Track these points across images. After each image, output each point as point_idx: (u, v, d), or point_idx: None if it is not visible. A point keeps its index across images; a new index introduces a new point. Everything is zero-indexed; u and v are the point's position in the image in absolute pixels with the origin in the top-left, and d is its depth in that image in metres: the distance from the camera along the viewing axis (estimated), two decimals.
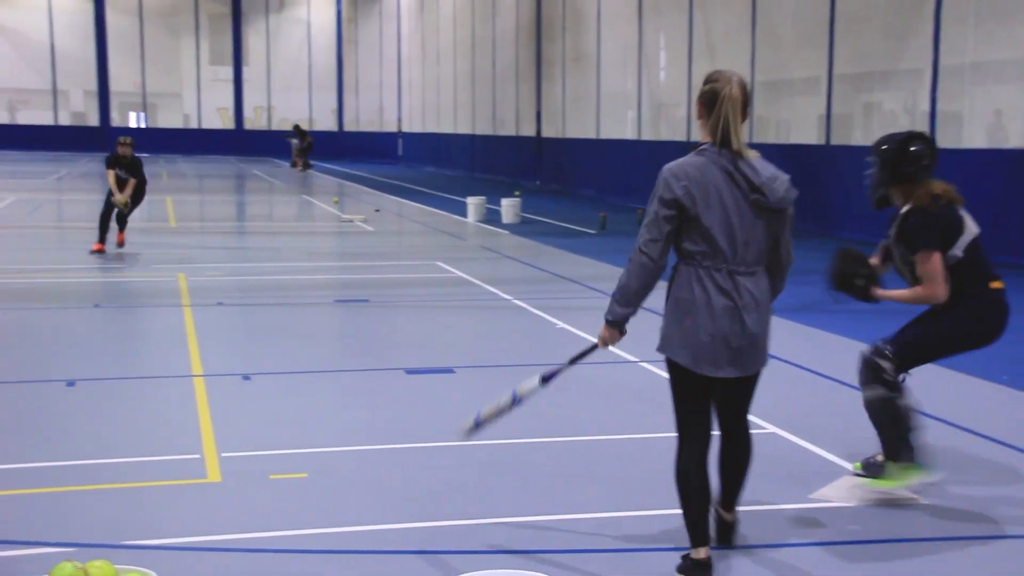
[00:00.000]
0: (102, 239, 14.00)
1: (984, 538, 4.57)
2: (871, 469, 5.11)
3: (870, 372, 4.92)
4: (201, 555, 4.34)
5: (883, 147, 5.05)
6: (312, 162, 37.37)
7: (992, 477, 5.39)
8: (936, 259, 4.81)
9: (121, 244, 14.32)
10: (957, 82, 14.98)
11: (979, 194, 14.15)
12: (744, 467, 4.32)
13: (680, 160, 3.96)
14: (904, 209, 4.97)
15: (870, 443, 5.87)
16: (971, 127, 15.02)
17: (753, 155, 3.98)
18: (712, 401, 4.14)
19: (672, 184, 3.89)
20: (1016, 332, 9.50)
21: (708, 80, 4.01)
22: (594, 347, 4.41)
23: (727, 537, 4.36)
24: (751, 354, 3.98)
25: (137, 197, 14.35)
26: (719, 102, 3.91)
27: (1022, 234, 13.33)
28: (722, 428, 4.29)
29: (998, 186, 13.78)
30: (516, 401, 4.42)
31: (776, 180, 3.95)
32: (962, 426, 6.28)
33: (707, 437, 4.08)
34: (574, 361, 4.50)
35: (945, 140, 14.86)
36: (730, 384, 4.09)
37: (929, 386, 7.26)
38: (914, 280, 4.95)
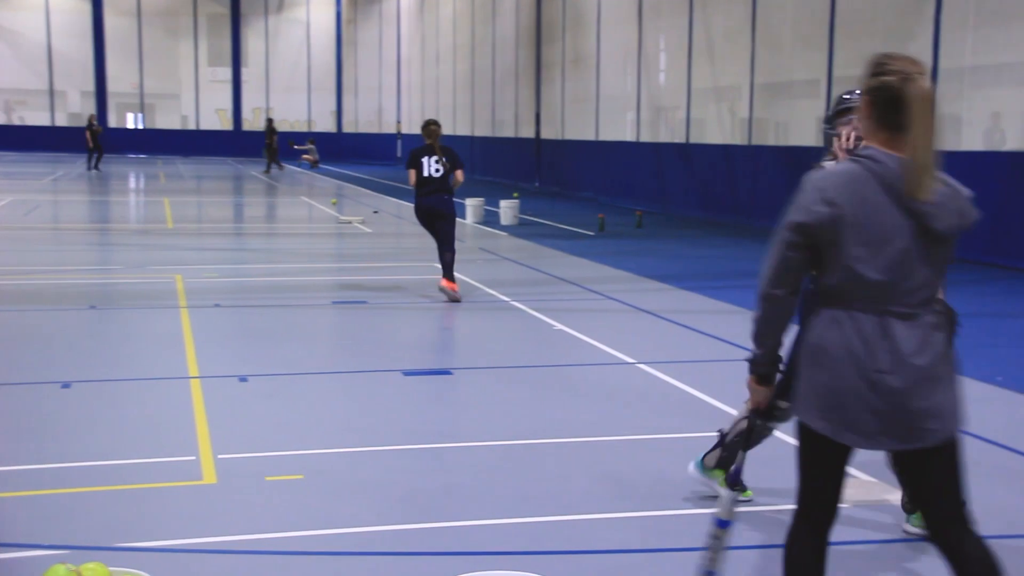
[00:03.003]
0: None
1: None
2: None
3: None
4: (196, 557, 4.32)
5: None
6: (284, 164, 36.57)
7: (987, 478, 5.37)
8: None
9: None
10: (956, 85, 14.98)
11: (977, 196, 14.15)
12: None
13: None
14: None
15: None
16: (970, 129, 15.02)
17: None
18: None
19: None
20: (1007, 334, 9.51)
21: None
22: (752, 414, 3.37)
23: None
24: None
25: None
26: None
27: (1019, 236, 13.32)
28: (940, 544, 3.14)
29: (996, 188, 13.77)
30: (723, 525, 3.48)
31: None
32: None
33: (827, 518, 3.17)
34: (747, 446, 3.67)
35: (944, 142, 14.86)
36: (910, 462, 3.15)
37: None
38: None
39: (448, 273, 10.88)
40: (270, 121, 36.94)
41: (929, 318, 3.01)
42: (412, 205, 12.08)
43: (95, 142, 34.29)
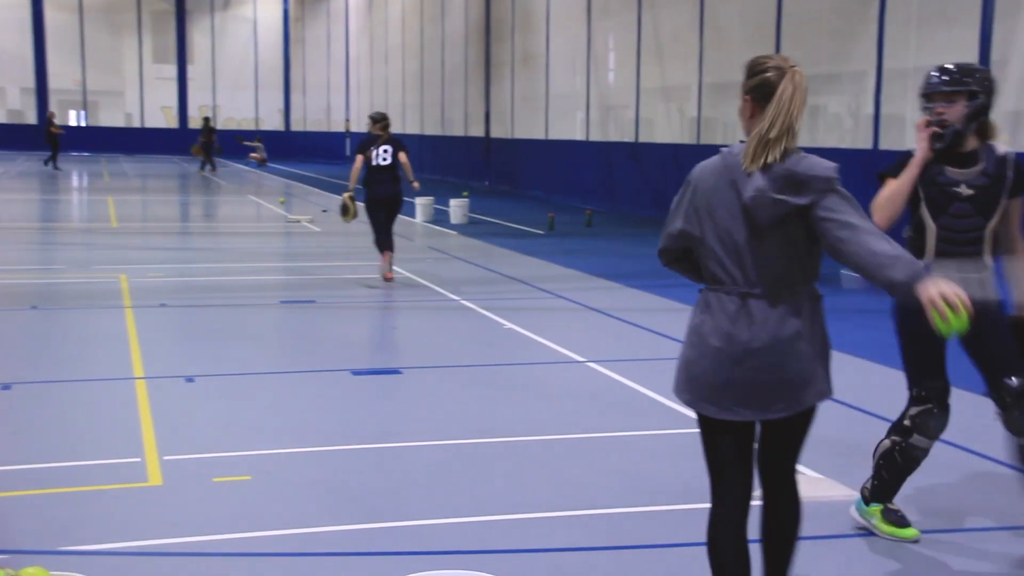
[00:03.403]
0: None
1: (929, 532, 4.61)
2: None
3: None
4: (141, 560, 4.25)
5: (978, 72, 4.30)
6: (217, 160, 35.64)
7: (932, 472, 5.44)
8: None
9: None
10: (900, 85, 15.20)
11: None
12: (784, 534, 3.45)
13: None
14: (1001, 151, 4.34)
15: (809, 441, 5.91)
16: (913, 129, 15.22)
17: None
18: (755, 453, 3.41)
19: None
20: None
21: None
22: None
23: None
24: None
25: None
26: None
27: None
28: (762, 487, 3.47)
29: None
30: None
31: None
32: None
33: (738, 497, 3.31)
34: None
35: (889, 142, 15.07)
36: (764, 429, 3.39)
37: (870, 383, 7.34)
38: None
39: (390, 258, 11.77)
40: (207, 120, 36.33)
41: (787, 298, 3.18)
42: (359, 204, 12.01)
43: (54, 140, 33.75)
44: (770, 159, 3.16)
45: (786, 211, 3.14)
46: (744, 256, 3.18)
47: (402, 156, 11.61)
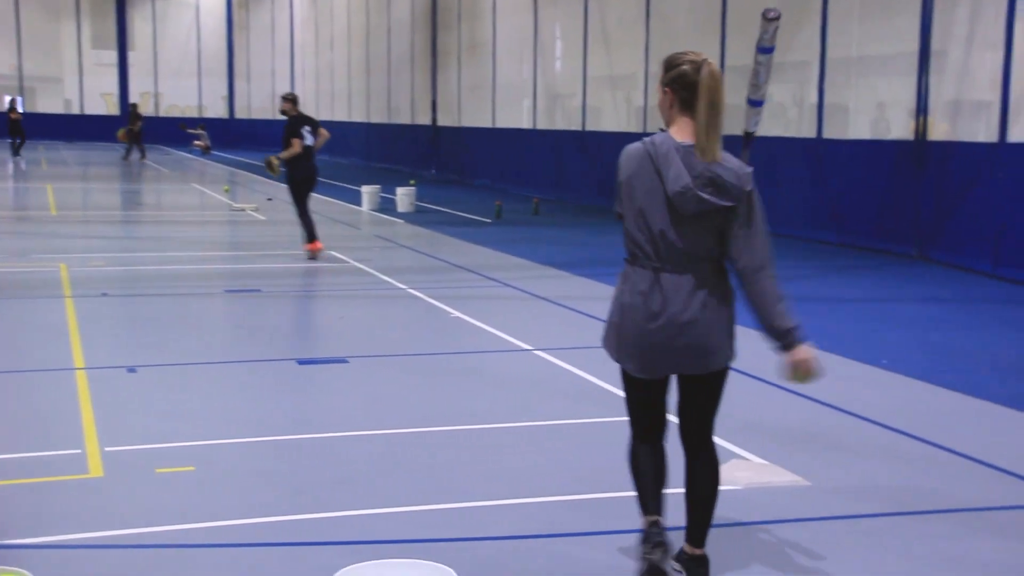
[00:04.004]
0: None
1: (870, 516, 4.69)
2: None
3: None
4: (83, 553, 4.18)
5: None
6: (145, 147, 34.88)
7: (869, 457, 5.53)
8: None
9: None
10: (843, 74, 15.38)
11: (864, 183, 14.58)
12: (704, 495, 3.85)
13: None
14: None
15: (755, 427, 5.99)
16: (856, 118, 15.43)
17: None
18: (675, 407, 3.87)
19: None
20: (893, 319, 9.81)
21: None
22: None
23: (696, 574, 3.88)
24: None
25: None
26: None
27: (903, 222, 13.76)
28: (683, 448, 3.90)
29: (882, 176, 14.19)
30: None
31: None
32: (844, 409, 6.44)
33: (653, 435, 3.85)
34: None
35: (832, 131, 15.25)
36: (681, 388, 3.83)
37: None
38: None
39: (316, 234, 12.60)
40: (134, 106, 35.61)
41: (695, 274, 3.61)
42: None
43: (18, 128, 33.10)
44: (719, 157, 3.54)
45: (708, 208, 3.54)
46: (658, 237, 3.60)
47: (324, 132, 12.75)
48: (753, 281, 3.60)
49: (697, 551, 3.89)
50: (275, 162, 12.71)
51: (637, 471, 3.88)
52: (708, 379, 3.74)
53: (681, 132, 3.59)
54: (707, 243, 3.60)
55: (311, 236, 12.54)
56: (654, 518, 3.79)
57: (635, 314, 3.65)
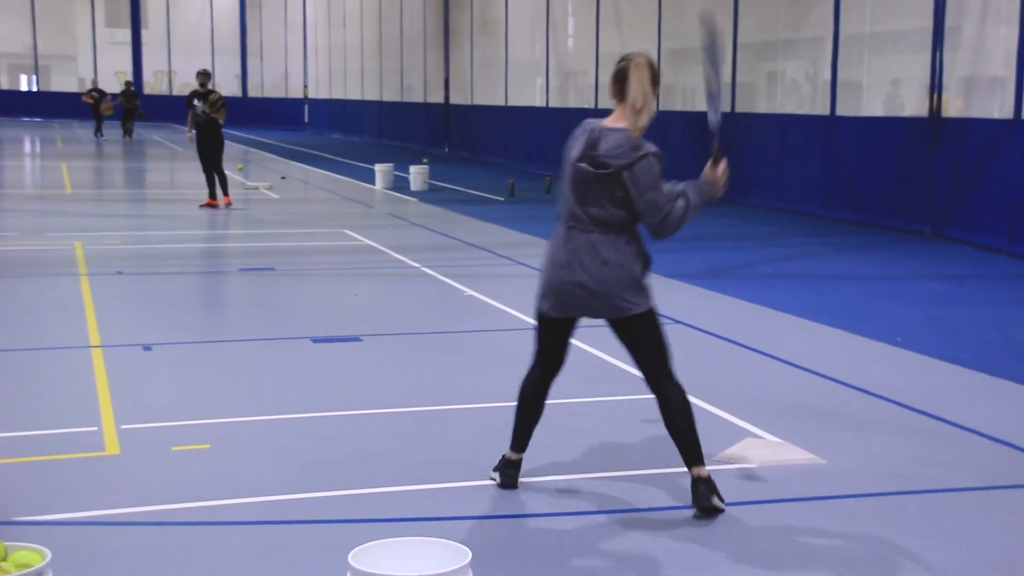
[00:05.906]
0: None
1: (886, 494, 4.69)
2: None
3: None
4: (99, 530, 4.22)
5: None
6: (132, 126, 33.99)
7: (889, 436, 5.53)
8: None
9: None
10: (856, 51, 15.26)
11: (877, 160, 14.49)
12: (681, 426, 4.40)
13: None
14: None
15: (769, 405, 5.99)
16: (870, 95, 15.33)
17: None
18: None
19: None
20: (906, 296, 9.78)
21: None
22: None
23: (701, 495, 4.35)
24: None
25: None
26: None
27: (916, 199, 13.69)
28: (649, 389, 4.47)
29: (894, 153, 14.11)
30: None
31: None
32: (859, 386, 6.43)
33: (547, 369, 4.62)
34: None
35: (845, 108, 15.15)
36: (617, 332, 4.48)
37: (829, 349, 7.42)
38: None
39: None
40: (128, 84, 35.41)
41: (600, 234, 4.31)
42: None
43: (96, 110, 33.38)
44: (637, 131, 4.29)
45: (590, 177, 4.28)
46: (567, 201, 4.40)
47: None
48: (661, 229, 4.29)
49: (702, 472, 4.37)
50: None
51: (520, 405, 4.67)
52: (624, 324, 4.38)
53: (613, 116, 4.36)
54: (608, 208, 4.29)
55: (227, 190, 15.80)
56: (517, 456, 4.68)
57: (551, 264, 4.44)
